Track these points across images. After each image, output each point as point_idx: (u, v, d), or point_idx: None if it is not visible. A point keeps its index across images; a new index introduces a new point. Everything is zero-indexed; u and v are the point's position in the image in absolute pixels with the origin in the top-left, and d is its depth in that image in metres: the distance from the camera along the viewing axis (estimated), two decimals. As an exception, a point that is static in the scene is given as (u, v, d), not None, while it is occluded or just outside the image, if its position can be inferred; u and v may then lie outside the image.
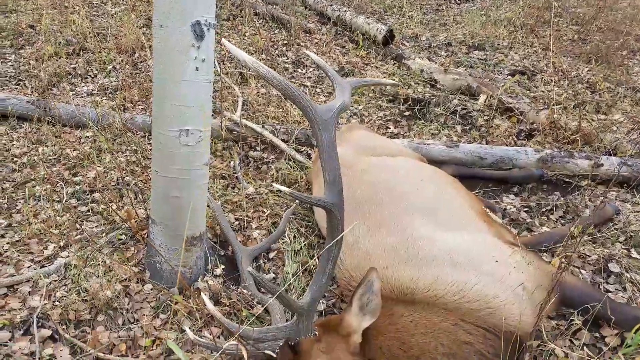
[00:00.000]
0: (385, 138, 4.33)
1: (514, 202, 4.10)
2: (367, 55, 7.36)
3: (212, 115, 5.22)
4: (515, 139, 4.99)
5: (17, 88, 6.10)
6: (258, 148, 4.90)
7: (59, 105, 5.27)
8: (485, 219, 3.09)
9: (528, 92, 6.03)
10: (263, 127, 4.95)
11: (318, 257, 2.37)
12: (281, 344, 2.39)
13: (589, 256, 3.43)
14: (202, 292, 2.36)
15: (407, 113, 5.79)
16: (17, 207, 3.96)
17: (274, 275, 3.33)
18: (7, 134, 5.10)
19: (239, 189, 4.22)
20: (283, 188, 2.16)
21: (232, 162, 4.60)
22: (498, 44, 7.71)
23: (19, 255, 3.41)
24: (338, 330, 2.31)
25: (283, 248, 3.48)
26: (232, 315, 2.98)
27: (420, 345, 2.29)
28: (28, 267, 3.30)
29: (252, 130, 4.96)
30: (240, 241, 3.57)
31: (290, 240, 3.52)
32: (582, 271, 3.30)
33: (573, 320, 2.70)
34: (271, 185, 4.21)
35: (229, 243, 3.48)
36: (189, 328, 2.82)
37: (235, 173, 4.46)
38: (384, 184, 3.21)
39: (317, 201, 2.24)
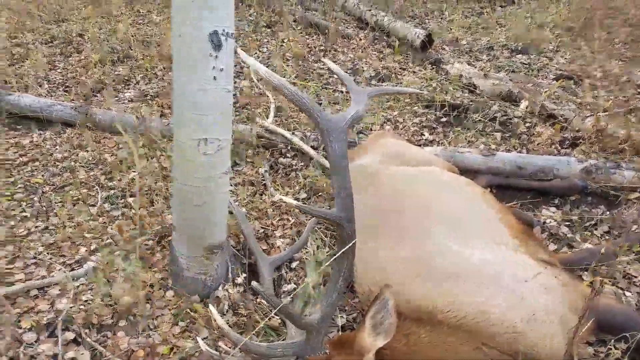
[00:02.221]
0: (414, 146, 4.20)
1: (555, 216, 3.86)
2: (404, 60, 7.23)
3: (245, 122, 5.30)
4: (559, 148, 4.72)
5: (64, 94, 6.36)
6: (288, 155, 4.88)
7: (99, 112, 5.44)
8: (518, 234, 2.92)
9: (574, 97, 5.72)
10: (293, 133, 4.93)
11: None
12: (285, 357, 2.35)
13: (635, 277, 3.18)
14: (210, 304, 2.33)
15: (443, 119, 5.61)
16: (54, 211, 4.10)
17: (294, 286, 3.28)
18: (52, 138, 5.31)
19: (267, 196, 4.21)
20: (289, 200, 2.12)
21: (260, 169, 4.60)
22: (543, 48, 7.38)
23: (51, 258, 3.53)
24: (350, 349, 2.23)
25: (305, 258, 3.43)
26: (250, 326, 2.95)
27: (437, 367, 2.18)
28: (59, 270, 3.40)
29: (283, 137, 4.94)
30: (263, 250, 3.55)
31: (313, 251, 3.46)
32: (627, 293, 3.06)
33: (611, 348, 2.50)
34: (298, 193, 4.18)
35: (251, 251, 3.46)
36: (206, 337, 2.83)
37: (264, 180, 4.45)
38: (408, 194, 3.10)
39: (326, 215, 2.18)
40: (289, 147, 4.91)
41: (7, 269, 3.37)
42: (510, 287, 2.38)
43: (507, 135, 5.18)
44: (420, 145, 4.88)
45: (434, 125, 5.51)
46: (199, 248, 3.13)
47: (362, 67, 6.99)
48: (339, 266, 2.28)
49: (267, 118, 5.32)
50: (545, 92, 5.46)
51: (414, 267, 2.56)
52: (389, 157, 3.69)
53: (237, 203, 4.07)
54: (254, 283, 2.09)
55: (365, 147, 4.12)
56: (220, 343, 2.79)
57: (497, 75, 6.25)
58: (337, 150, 2.30)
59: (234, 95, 6.15)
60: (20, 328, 2.91)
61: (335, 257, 2.23)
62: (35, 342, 2.84)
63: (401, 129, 5.42)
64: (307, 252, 3.47)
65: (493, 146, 4.95)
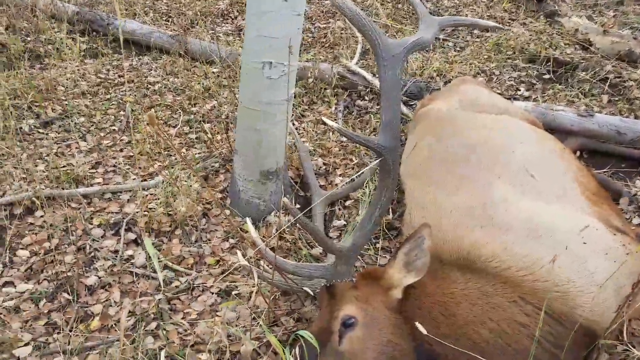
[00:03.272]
0: (496, 95, 3.86)
1: (649, 188, 3.41)
2: (515, 10, 6.62)
3: (327, 61, 5.22)
4: (675, 117, 4.11)
5: (166, 24, 6.67)
6: (366, 97, 4.75)
7: (194, 41, 5.64)
8: (591, 196, 2.61)
9: None
10: (375, 76, 4.76)
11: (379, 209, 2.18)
12: (316, 282, 2.34)
13: None
14: (247, 219, 2.37)
15: (546, 76, 5.11)
16: (138, 128, 4.38)
17: (344, 222, 3.25)
18: (148, 63, 5.63)
19: (337, 135, 4.16)
20: (331, 123, 2.04)
21: (334, 109, 4.53)
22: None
23: (128, 168, 3.80)
24: (379, 282, 2.17)
25: (360, 197, 3.36)
26: (293, 251, 2.98)
27: (464, 316, 2.05)
28: (132, 179, 3.66)
29: (364, 79, 4.80)
30: (321, 185, 3.53)
31: (370, 191, 3.38)
32: None
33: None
34: (368, 135, 4.07)
35: (308, 185, 3.46)
36: (251, 257, 2.91)
37: (336, 120, 4.39)
38: (478, 142, 2.88)
39: (368, 142, 2.07)
40: (368, 90, 4.77)
41: (89, 172, 3.68)
42: (566, 245, 2.14)
43: (615, 99, 4.60)
44: (510, 99, 4.49)
45: (534, 82, 5.04)
46: (255, 172, 3.18)
47: (466, 14, 6.52)
48: (377, 197, 2.19)
49: (352, 59, 5.20)
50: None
51: (468, 215, 2.39)
52: (466, 103, 3.44)
53: (303, 139, 4.07)
54: (284, 199, 2.07)
55: (445, 92, 3.87)
56: (261, 262, 2.86)
57: (619, 32, 5.51)
58: (390, 77, 2.16)
59: (324, 35, 6.06)
60: (91, 224, 3.19)
61: (377, 191, 2.13)
62: (101, 237, 3.11)
63: (494, 82, 5.03)
64: (363, 192, 3.40)
65: (596, 109, 4.42)
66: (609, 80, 4.78)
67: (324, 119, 2.12)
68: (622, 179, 3.58)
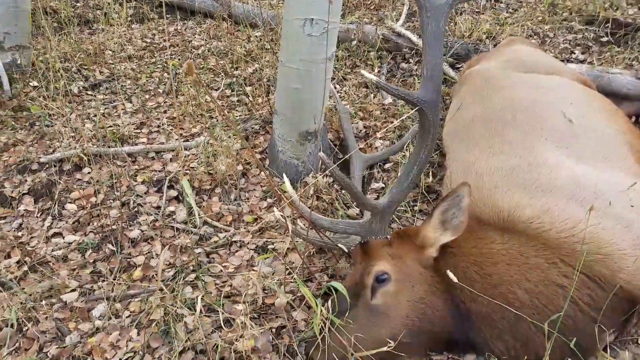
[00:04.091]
0: (546, 55, 3.67)
1: None
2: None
3: (371, 23, 5.09)
4: None
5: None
6: (411, 60, 4.61)
7: (237, 4, 5.63)
8: (644, 161, 2.46)
9: None
10: (420, 37, 4.61)
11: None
12: (351, 240, 2.33)
13: None
14: (284, 174, 2.37)
15: (604, 39, 4.79)
16: (181, 90, 4.45)
17: (383, 185, 3.20)
18: (192, 27, 5.68)
19: (379, 98, 4.08)
20: (369, 75, 1.99)
21: (377, 71, 4.43)
22: None
23: (172, 129, 3.87)
24: (414, 240, 2.14)
25: (400, 160, 3.30)
26: (330, 212, 2.98)
27: (500, 275, 2.00)
28: (175, 140, 3.73)
29: (409, 41, 4.66)
30: (361, 148, 3.49)
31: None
32: None
33: None
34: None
35: (347, 147, 3.42)
36: (288, 216, 2.92)
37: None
38: (524, 102, 2.75)
39: (407, 96, 2.00)
40: (413, 52, 4.63)
41: (134, 132, 3.78)
42: (613, 209, 2.03)
43: (679, 62, 4.27)
44: (563, 62, 4.26)
45: (590, 44, 4.74)
46: (294, 132, 3.17)
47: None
48: (416, 155, 2.13)
49: (397, 21, 5.05)
50: None
51: (511, 176, 2.30)
52: (515, 63, 3.28)
53: (345, 102, 4.02)
54: (320, 153, 2.05)
55: (493, 52, 3.71)
56: (298, 220, 2.86)
57: (688, -10, 5.08)
58: (433, 29, 2.07)
59: (369, -3, 5.91)
60: (135, 181, 3.29)
61: (415, 148, 2.07)
62: (145, 194, 3.20)
63: (548, 45, 4.77)
64: (403, 155, 3.33)
65: (657, 72, 4.13)
66: (672, 43, 4.45)
67: (363, 71, 2.06)
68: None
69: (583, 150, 2.39)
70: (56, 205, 3.10)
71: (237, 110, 4.13)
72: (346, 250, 2.35)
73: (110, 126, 3.83)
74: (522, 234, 2.09)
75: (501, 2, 5.70)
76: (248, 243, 2.81)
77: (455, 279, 1.83)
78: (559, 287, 1.92)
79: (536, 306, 1.92)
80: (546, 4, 5.35)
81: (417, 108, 2.02)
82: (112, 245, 2.81)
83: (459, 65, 4.42)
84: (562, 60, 4.41)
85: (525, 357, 1.94)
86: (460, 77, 3.69)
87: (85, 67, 4.67)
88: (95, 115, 3.95)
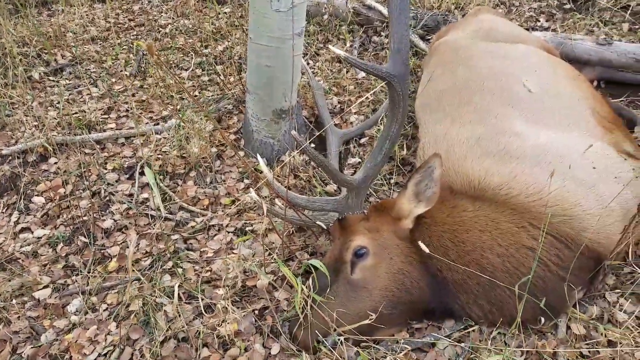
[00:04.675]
0: (511, 23, 3.70)
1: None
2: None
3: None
4: None
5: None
6: (383, 33, 4.58)
7: (203, -19, 5.46)
8: (604, 123, 2.54)
9: None
10: (389, 10, 4.57)
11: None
12: (330, 217, 2.34)
13: None
14: (257, 155, 2.35)
15: (567, 6, 4.86)
16: (149, 72, 4.33)
17: (359, 160, 3.21)
18: (158, 6, 5.51)
19: (352, 73, 4.05)
20: (337, 50, 1.97)
21: (349, 45, 4.39)
22: None
23: (141, 113, 3.79)
24: (390, 212, 2.17)
25: (375, 134, 3.30)
26: (307, 190, 2.98)
27: (473, 241, 2.06)
28: (146, 124, 3.65)
29: (380, 14, 4.62)
30: (336, 124, 3.48)
31: (385, 128, 3.31)
32: None
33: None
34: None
35: (322, 124, 3.40)
36: (266, 196, 2.91)
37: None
38: (490, 71, 2.80)
39: (375, 70, 1.99)
40: (384, 25, 4.60)
41: (101, 118, 3.69)
42: (576, 172, 2.12)
43: (636, 27, 4.36)
44: (528, 30, 4.29)
45: (554, 12, 4.80)
46: (267, 111, 3.14)
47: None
48: (387, 129, 2.14)
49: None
50: None
51: (479, 145, 2.35)
52: (482, 33, 3.30)
53: (318, 78, 3.98)
54: (293, 132, 2.03)
55: (460, 23, 3.71)
56: (276, 200, 2.86)
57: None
58: (398, 2, 2.05)
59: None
60: (105, 169, 3.22)
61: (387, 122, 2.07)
62: (116, 181, 3.15)
63: (514, 13, 4.80)
64: (378, 129, 3.33)
65: (616, 37, 4.20)
66: (630, 8, 4.53)
67: (331, 47, 2.04)
68: (639, 108, 3.44)
69: (548, 116, 2.45)
70: (22, 199, 3.01)
71: (208, 90, 4.06)
72: (325, 227, 2.37)
73: (76, 113, 3.72)
74: (492, 201, 2.15)
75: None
76: (227, 226, 2.80)
77: (427, 250, 1.90)
78: (529, 250, 2.00)
79: (508, 269, 1.99)
80: (512, -28, 5.35)
81: (386, 82, 2.01)
82: (85, 237, 2.76)
83: (429, 37, 4.41)
84: (528, 29, 4.46)
85: (501, 320, 2.01)
86: (430, 48, 3.69)
87: (46, 51, 4.50)
88: (59, 102, 3.82)
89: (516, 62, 2.83)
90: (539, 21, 4.66)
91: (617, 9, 4.55)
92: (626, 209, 2.07)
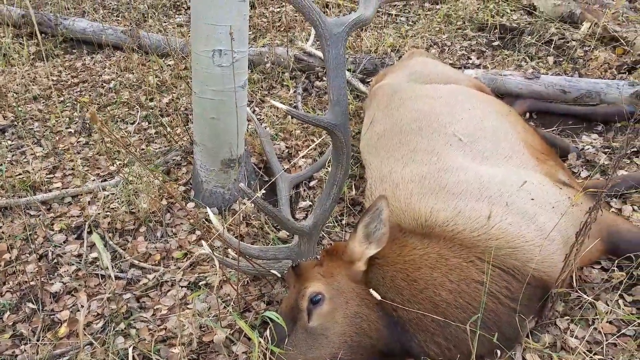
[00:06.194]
0: (443, 65, 3.95)
1: (595, 142, 3.55)
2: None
3: (283, 45, 5.19)
4: (615, 73, 4.26)
5: (117, 20, 6.51)
6: (324, 78, 4.75)
7: (147, 35, 5.52)
8: (538, 154, 2.73)
9: (647, 18, 5.07)
10: (329, 56, 4.76)
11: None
12: (284, 264, 2.37)
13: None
14: (207, 207, 2.38)
15: (495, 43, 5.22)
16: (94, 128, 4.29)
17: (310, 203, 3.28)
18: (101, 61, 5.51)
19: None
20: (279, 105, 2.05)
21: (293, 91, 4.53)
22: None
23: (87, 170, 3.73)
24: (342, 256, 2.22)
25: (323, 177, 3.39)
26: (260, 236, 3.01)
27: (424, 279, 2.12)
28: (92, 181, 3.60)
29: (320, 60, 4.81)
30: (286, 169, 3.55)
31: (332, 170, 3.41)
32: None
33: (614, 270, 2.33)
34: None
35: (271, 170, 3.47)
36: (219, 247, 2.91)
37: (296, 102, 4.39)
38: (425, 112, 2.95)
39: (318, 121, 2.09)
40: (325, 71, 4.77)
41: (46, 178, 3.61)
42: (516, 204, 2.24)
43: (560, 59, 4.74)
44: (461, 68, 4.58)
45: (484, 49, 5.14)
46: (216, 161, 3.18)
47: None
48: (333, 175, 2.22)
49: (307, 41, 5.19)
50: (612, 12, 4.86)
51: (423, 183, 2.46)
52: (416, 76, 3.50)
53: (265, 124, 4.08)
54: (240, 184, 2.08)
55: (395, 67, 3.93)
56: (229, 250, 2.87)
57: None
58: (334, 56, 2.18)
59: (279, 18, 6.02)
60: (52, 230, 3.14)
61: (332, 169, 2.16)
62: (64, 242, 3.07)
63: (447, 53, 5.11)
64: (327, 172, 3.43)
65: (543, 71, 4.56)
66: (553, 42, 4.93)
67: (272, 101, 2.13)
68: (570, 136, 3.71)
69: (485, 151, 2.60)
70: (-35, 268, 2.89)
71: (156, 143, 4.06)
72: (279, 276, 2.39)
73: (20, 174, 3.63)
74: (440, 237, 2.23)
75: (401, 16, 6.03)
76: (180, 280, 2.77)
77: (378, 297, 1.93)
78: (479, 284, 2.07)
79: (461, 305, 2.05)
80: (441, 15, 5.73)
81: (328, 131, 2.11)
82: (33, 303, 2.65)
83: (369, 80, 4.62)
84: (460, 67, 4.76)
85: (459, 356, 2.06)
86: (370, 91, 3.87)
87: (-15, 113, 4.40)
88: (1, 164, 3.72)
89: (448, 101, 3.01)
90: (471, 59, 4.98)
91: (542, 43, 4.94)
92: (566, 237, 2.20)
